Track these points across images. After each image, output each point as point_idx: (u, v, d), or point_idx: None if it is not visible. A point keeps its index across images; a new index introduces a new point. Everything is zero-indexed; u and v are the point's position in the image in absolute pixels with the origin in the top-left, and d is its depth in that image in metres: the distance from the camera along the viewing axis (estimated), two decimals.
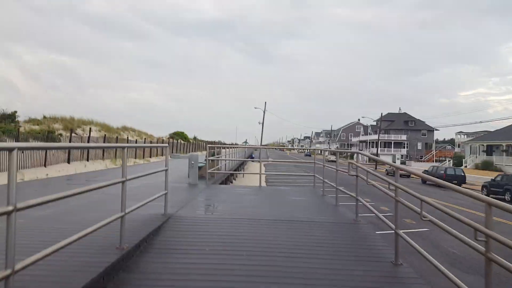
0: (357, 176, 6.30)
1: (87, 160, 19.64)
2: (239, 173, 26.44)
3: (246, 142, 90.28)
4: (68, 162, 18.23)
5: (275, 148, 63.98)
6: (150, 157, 30.01)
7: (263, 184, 28.09)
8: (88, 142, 19.92)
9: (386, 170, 51.82)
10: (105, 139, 21.79)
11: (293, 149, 60.55)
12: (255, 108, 67.16)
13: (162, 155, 33.91)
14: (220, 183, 14.01)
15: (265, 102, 67.61)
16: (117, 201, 7.33)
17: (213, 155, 13.98)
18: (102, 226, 3.75)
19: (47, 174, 14.06)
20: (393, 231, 4.56)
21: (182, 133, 56.36)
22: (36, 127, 20.21)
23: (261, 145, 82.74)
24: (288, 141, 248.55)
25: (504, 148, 52.02)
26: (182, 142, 51.00)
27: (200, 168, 12.68)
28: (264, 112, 65.25)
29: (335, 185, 8.12)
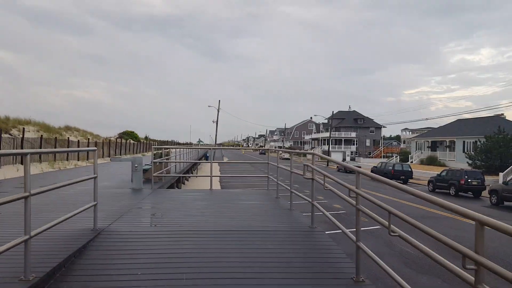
0: (312, 179, 5.77)
1: (21, 163, 17.84)
2: (191, 176, 25.43)
3: (200, 141, 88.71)
4: None
5: (231, 148, 63.23)
6: (102, 157, 28.19)
7: (217, 186, 27.39)
8: (21, 143, 18.08)
9: (337, 167, 52.82)
10: (41, 141, 19.96)
11: (248, 148, 59.94)
12: (209, 106, 65.84)
13: (109, 156, 32.08)
14: (169, 187, 13.09)
15: (219, 100, 66.44)
16: (40, 212, 6.34)
17: (160, 156, 13.04)
18: None
19: None
20: (344, 233, 4.04)
21: (132, 132, 54.07)
22: None
23: (215, 144, 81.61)
24: (243, 140, 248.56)
25: (447, 143, 54.75)
26: (132, 142, 48.87)
27: (146, 171, 11.74)
28: (218, 111, 64.18)
29: (289, 188, 7.58)
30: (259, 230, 5.69)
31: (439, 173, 30.75)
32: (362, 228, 12.44)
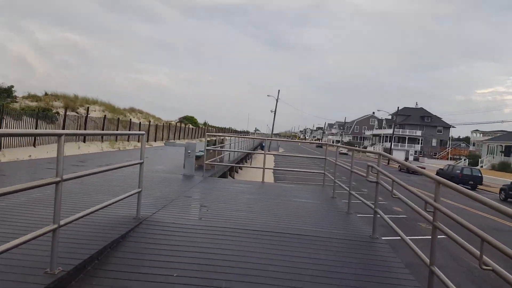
0: (377, 182, 5.05)
1: (84, 141, 18.64)
2: (244, 166, 25.29)
3: (256, 130, 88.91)
4: None
5: (286, 139, 62.68)
6: (155, 141, 28.99)
7: (271, 178, 26.93)
8: (85, 122, 18.86)
9: (399, 166, 50.14)
10: (104, 120, 20.71)
11: (304, 141, 58.93)
12: (268, 96, 65.71)
13: (168, 138, 32.90)
14: (220, 176, 12.84)
15: (278, 90, 65.99)
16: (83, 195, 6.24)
17: (214, 144, 12.81)
18: (20, 244, 2.63)
19: (29, 156, 13.11)
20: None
21: (192, 117, 55.30)
22: (34, 104, 19.28)
23: (272, 134, 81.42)
24: (300, 131, 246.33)
25: None
26: (191, 127, 49.98)
27: (199, 157, 11.54)
28: (276, 101, 63.79)
29: (348, 189, 6.87)
30: (312, 236, 5.10)
31: None
32: (420, 237, 11.20)
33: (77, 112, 22.29)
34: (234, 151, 13.44)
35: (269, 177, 26.57)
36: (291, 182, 22.55)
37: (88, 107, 20.67)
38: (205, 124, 67.90)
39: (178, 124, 41.99)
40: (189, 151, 9.97)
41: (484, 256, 2.39)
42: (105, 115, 21.23)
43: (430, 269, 3.26)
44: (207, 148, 10.39)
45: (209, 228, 5.07)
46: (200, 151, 11.98)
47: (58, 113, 18.20)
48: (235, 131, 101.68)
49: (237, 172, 22.55)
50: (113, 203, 4.37)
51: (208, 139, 12.88)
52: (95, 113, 24.79)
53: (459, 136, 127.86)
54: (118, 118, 22.43)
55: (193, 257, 4.00)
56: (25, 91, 24.52)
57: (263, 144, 62.97)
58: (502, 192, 27.93)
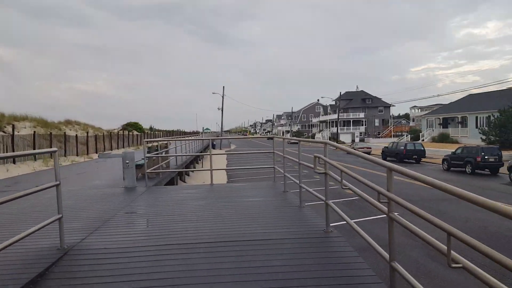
0: (326, 173, 4.73)
1: (14, 162, 17.01)
2: (194, 170, 24.51)
3: (206, 129, 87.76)
4: None
5: (237, 137, 62.46)
6: (97, 152, 27.36)
7: (224, 179, 26.31)
8: (12, 141, 17.18)
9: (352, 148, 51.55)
10: (34, 137, 19.02)
11: (255, 137, 58.92)
12: (213, 93, 64.85)
13: (111, 149, 31.22)
14: (167, 183, 12.11)
15: (223, 87, 65.29)
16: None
17: (156, 150, 12.03)
18: None
19: None
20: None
21: (136, 123, 53.19)
22: None
23: (221, 131, 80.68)
24: (250, 125, 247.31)
25: (459, 120, 53.15)
26: (136, 133, 48.09)
27: (140, 166, 10.78)
28: (222, 97, 63.13)
29: (297, 181, 6.54)
30: (264, 240, 4.67)
31: (453, 150, 29.51)
32: (375, 217, 11.11)
33: (4, 131, 20.37)
34: (177, 156, 12.66)
35: (222, 178, 26.03)
36: (244, 179, 22.22)
37: (13, 125, 18.85)
38: (151, 128, 65.81)
39: (121, 132, 40.13)
40: (127, 161, 9.20)
41: (452, 252, 2.06)
42: (34, 132, 19.52)
43: (390, 265, 2.94)
44: (147, 155, 9.66)
45: (149, 248, 4.48)
46: (142, 159, 11.21)
47: None
48: (184, 133, 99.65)
49: (188, 175, 21.76)
50: (30, 233, 3.69)
51: (149, 145, 12.11)
52: (25, 130, 22.84)
53: (399, 114, 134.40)
54: (51, 133, 20.75)
55: (132, 287, 3.43)
56: None
57: (214, 143, 62.26)
58: (445, 162, 29.39)
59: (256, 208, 6.56)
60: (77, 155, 23.30)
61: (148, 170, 9.40)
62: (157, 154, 11.15)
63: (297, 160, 6.42)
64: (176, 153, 15.17)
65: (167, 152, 13.24)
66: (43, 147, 20.21)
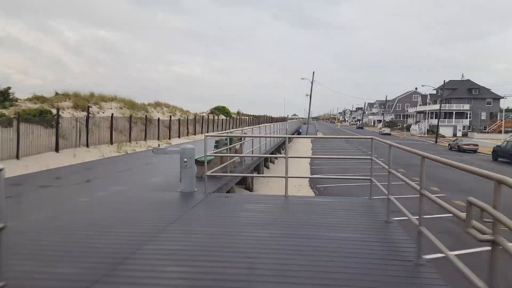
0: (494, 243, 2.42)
1: (87, 146, 16.81)
2: (278, 157, 22.49)
3: (295, 115, 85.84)
4: (56, 151, 15.45)
5: (326, 120, 59.55)
6: (180, 137, 27.09)
7: (306, 171, 23.86)
8: (87, 122, 17.01)
9: (450, 144, 45.69)
10: (112, 119, 18.79)
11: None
12: (302, 79, 62.33)
13: (195, 134, 30.95)
14: (238, 183, 10.42)
15: (313, 72, 62.39)
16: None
17: (226, 144, 10.36)
18: None
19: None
20: None
21: (224, 107, 53.23)
22: (35, 106, 17.73)
23: (309, 118, 78.09)
24: (339, 113, 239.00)
25: None
26: (223, 118, 48.04)
27: (203, 163, 9.25)
28: (311, 83, 60.45)
29: (415, 220, 4.22)
30: None
31: None
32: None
33: (88, 112, 20.68)
34: (246, 156, 10.70)
35: (305, 168, 23.79)
36: (329, 186, 19.70)
37: (88, 107, 18.69)
38: (238, 113, 65.86)
39: (210, 116, 40.02)
40: (185, 160, 7.68)
41: None
42: (112, 114, 19.35)
43: None
44: (208, 155, 7.96)
45: None
46: (202, 156, 9.66)
47: (59, 115, 16.51)
48: (271, 118, 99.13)
49: (268, 168, 19.87)
50: None
51: (217, 138, 10.47)
52: (111, 111, 23.15)
53: (508, 107, 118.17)
54: (130, 116, 20.56)
55: None
56: (64, 90, 23.30)
57: (301, 131, 60.06)
58: None
59: (346, 257, 4.40)
60: (158, 139, 23.06)
61: (209, 173, 7.73)
62: (217, 153, 9.29)
63: (417, 187, 4.13)
64: (252, 147, 13.43)
65: (235, 149, 11.52)
66: (122, 129, 20.09)
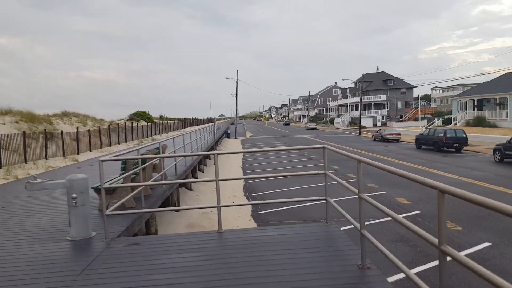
0: None
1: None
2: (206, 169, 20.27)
3: (222, 115, 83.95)
4: None
5: (254, 118, 58.57)
6: (91, 150, 23.71)
7: (238, 170, 22.04)
8: None
9: (373, 135, 47.09)
10: None
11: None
12: (226, 78, 60.57)
13: (109, 145, 27.60)
14: (147, 222, 8.17)
15: (237, 71, 60.98)
16: None
17: (136, 164, 8.03)
18: None
19: None
20: None
21: (144, 112, 49.66)
22: None
23: (236, 117, 76.62)
24: (265, 110, 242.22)
25: (498, 101, 48.01)
26: (144, 123, 44.63)
27: (114, 190, 7.02)
28: (236, 82, 58.96)
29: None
30: None
31: (508, 139, 24.92)
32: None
33: None
34: (155, 183, 8.59)
35: (237, 167, 21.94)
36: (267, 193, 18.18)
37: None
38: (161, 117, 62.39)
39: (128, 124, 36.49)
40: (74, 196, 5.41)
41: None
42: None
43: None
44: (104, 187, 5.70)
45: None
46: (109, 180, 7.38)
47: None
48: (197, 120, 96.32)
49: (190, 190, 17.05)
50: None
51: (120, 157, 8.14)
52: (4, 126, 19.34)
53: (418, 96, 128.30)
54: (24, 132, 17.04)
55: None
56: None
57: (228, 132, 58.25)
58: (497, 152, 24.95)
59: None
60: (63, 155, 19.67)
61: (108, 211, 5.48)
62: (123, 177, 7.11)
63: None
64: (175, 160, 11.30)
65: (152, 165, 9.36)
66: (17, 148, 16.62)
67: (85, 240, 5.53)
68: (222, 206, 5.62)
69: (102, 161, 5.41)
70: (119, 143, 29.00)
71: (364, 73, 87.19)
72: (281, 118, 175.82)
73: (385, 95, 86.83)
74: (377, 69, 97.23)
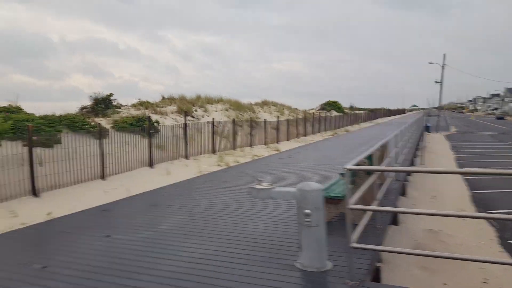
0: None
1: (186, 157, 14.11)
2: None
3: (413, 106, 76.33)
4: (150, 165, 12.63)
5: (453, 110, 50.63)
6: (288, 140, 23.60)
7: (450, 177, 17.09)
8: (185, 129, 14.35)
9: None
10: (213, 124, 15.88)
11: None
12: (430, 63, 53.62)
13: (305, 135, 27.17)
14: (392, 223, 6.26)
15: (444, 54, 53.08)
16: None
17: (370, 163, 6.11)
18: None
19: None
20: None
21: (335, 102, 48.43)
22: (137, 112, 15.89)
23: (440, 108, 67.84)
24: (469, 101, 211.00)
25: None
26: (335, 114, 43.55)
27: (336, 199, 5.48)
28: (442, 67, 51.72)
29: None
30: None
31: None
32: None
33: (192, 116, 18.45)
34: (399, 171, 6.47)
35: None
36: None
37: (184, 113, 16.01)
38: (351, 107, 60.33)
39: (318, 113, 35.87)
40: (307, 212, 3.95)
41: None
42: (213, 118, 16.64)
43: None
44: (354, 207, 4.05)
45: None
46: (331, 192, 5.80)
47: (157, 121, 14.25)
48: (389, 111, 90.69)
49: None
50: None
51: (355, 167, 6.38)
52: (216, 113, 20.73)
53: None
54: (233, 119, 17.65)
55: None
56: (179, 94, 21.26)
57: (429, 125, 51.62)
58: None
59: None
60: (265, 144, 19.86)
61: (355, 244, 3.70)
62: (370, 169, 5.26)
63: None
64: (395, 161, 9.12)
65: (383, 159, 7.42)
66: (227, 134, 17.32)
67: (320, 274, 4.02)
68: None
69: (349, 169, 3.74)
70: (313, 133, 28.45)
71: None
72: (492, 110, 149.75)
73: None
74: None
